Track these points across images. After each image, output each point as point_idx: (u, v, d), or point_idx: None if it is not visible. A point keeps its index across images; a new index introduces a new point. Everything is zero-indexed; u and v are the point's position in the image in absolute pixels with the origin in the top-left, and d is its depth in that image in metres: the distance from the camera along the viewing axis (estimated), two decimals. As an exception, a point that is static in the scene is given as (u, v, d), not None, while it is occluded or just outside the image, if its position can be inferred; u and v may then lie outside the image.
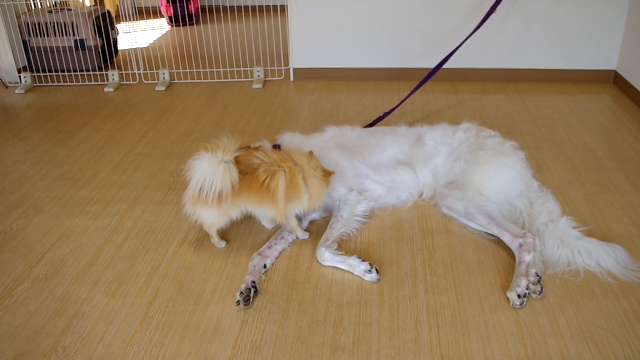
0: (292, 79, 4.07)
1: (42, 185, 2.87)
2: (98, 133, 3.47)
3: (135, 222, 2.50)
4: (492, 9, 3.25)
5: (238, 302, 1.95)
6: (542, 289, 1.90)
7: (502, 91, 3.78)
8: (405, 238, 2.28)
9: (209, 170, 2.04)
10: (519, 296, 1.87)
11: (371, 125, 3.00)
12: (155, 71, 4.26)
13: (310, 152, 2.23)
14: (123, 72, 4.31)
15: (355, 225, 2.30)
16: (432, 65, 3.17)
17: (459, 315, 1.87)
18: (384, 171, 2.47)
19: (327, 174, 2.20)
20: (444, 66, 3.19)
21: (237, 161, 2.10)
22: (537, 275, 1.93)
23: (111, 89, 4.14)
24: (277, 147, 2.52)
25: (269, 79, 4.13)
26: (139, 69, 4.28)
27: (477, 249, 2.19)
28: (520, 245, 2.06)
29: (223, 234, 2.35)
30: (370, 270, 2.03)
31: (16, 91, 4.21)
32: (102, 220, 2.53)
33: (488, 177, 2.29)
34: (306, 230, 2.34)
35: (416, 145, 2.55)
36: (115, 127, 3.55)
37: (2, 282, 2.15)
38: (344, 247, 2.24)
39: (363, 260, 2.06)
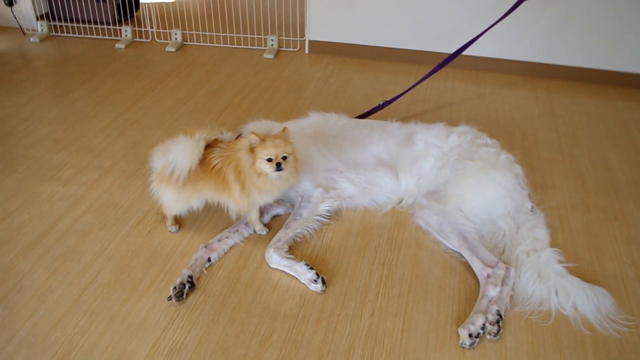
0: (306, 51, 3.90)
1: (25, 144, 2.87)
2: (95, 92, 3.45)
3: (100, 195, 2.46)
4: (526, -5, 2.94)
5: (170, 297, 1.89)
6: (499, 330, 1.73)
7: (529, 87, 3.48)
8: (369, 247, 2.14)
9: (183, 148, 1.98)
10: (470, 335, 1.71)
11: (364, 116, 2.82)
12: (168, 31, 4.18)
13: (284, 129, 2.07)
14: (136, 29, 4.25)
15: (315, 226, 2.18)
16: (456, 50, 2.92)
17: (399, 347, 1.74)
18: (361, 170, 2.32)
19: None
20: (470, 53, 2.94)
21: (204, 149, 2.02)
22: (499, 315, 1.76)
23: (122, 46, 4.10)
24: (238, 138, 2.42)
25: (283, 49, 3.97)
26: (152, 27, 4.22)
27: (444, 271, 2.02)
28: (488, 276, 1.88)
29: (182, 220, 2.28)
30: (316, 280, 1.92)
31: (31, 39, 4.25)
32: (70, 188, 2.51)
33: (471, 192, 2.10)
34: (267, 225, 2.23)
35: (404, 145, 2.37)
36: (114, 87, 3.52)
37: (-51, 244, 2.18)
38: (299, 248, 2.12)
39: (311, 268, 1.95)
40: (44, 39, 4.28)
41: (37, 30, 4.32)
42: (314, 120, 2.50)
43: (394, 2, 3.53)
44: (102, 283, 2.00)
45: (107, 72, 3.76)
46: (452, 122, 2.91)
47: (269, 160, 1.93)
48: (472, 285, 1.96)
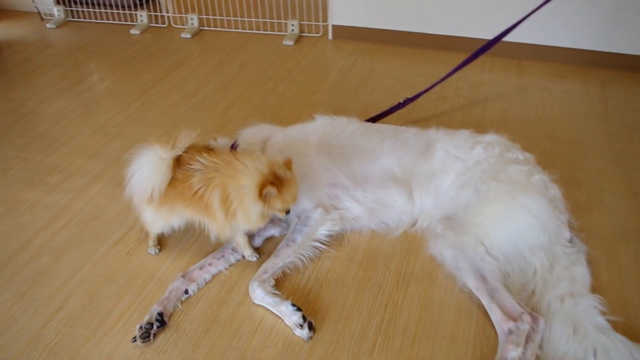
0: (330, 37, 3.54)
1: (19, 144, 2.70)
2: (101, 84, 3.24)
3: (84, 205, 2.25)
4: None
5: (134, 339, 1.65)
6: (518, 402, 1.40)
7: (579, 79, 2.99)
8: (372, 281, 1.82)
9: (143, 164, 1.71)
10: (480, 408, 1.38)
11: (381, 116, 2.46)
12: (185, 15, 3.91)
13: (289, 163, 1.77)
14: (152, 13, 4.00)
15: (310, 253, 1.88)
16: (494, 36, 2.50)
17: (393, 418, 1.43)
18: (369, 187, 1.99)
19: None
20: (512, 40, 2.51)
21: (179, 162, 1.73)
22: (518, 382, 1.42)
23: (137, 32, 3.87)
24: (234, 146, 2.13)
25: (305, 34, 3.63)
26: (167, 11, 3.95)
27: (458, 316, 1.69)
28: (510, 332, 1.53)
29: (165, 240, 2.03)
30: (302, 325, 1.63)
31: (47, 25, 4.08)
32: (55, 196, 2.31)
33: (495, 222, 1.74)
34: (258, 250, 1.95)
35: (421, 157, 2.02)
36: (121, 79, 3.30)
37: None
38: (291, 280, 1.84)
39: (297, 309, 1.66)
40: (60, 24, 4.10)
41: (54, 16, 4.15)
42: (320, 125, 2.18)
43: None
44: (67, 314, 1.78)
45: (117, 61, 3.54)
46: (485, 123, 2.54)
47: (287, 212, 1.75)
48: (491, 338, 1.62)
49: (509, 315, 1.57)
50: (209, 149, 1.85)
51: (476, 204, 1.80)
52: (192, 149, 1.77)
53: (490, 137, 2.01)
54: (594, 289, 1.69)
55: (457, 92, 2.85)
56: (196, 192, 1.71)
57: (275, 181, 1.64)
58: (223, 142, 2.24)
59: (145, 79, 3.27)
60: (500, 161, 1.89)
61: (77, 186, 2.37)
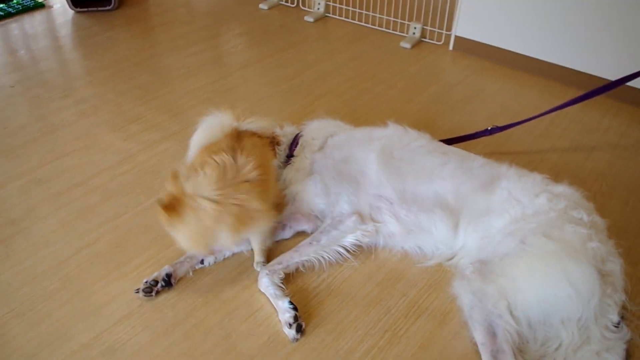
0: (450, 47, 3.49)
1: (120, 89, 3.04)
2: (212, 51, 3.51)
3: (149, 158, 2.49)
4: None
5: (137, 290, 1.81)
6: None
7: None
8: (382, 304, 1.81)
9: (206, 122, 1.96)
10: None
11: (457, 141, 2.39)
12: (314, -1, 4.07)
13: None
14: (285, -9, 4.22)
15: (332, 257, 1.91)
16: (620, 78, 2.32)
17: None
18: (414, 208, 1.97)
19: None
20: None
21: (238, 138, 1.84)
22: None
23: (265, 7, 4.12)
24: (297, 138, 2.25)
25: (426, 40, 3.60)
26: (298, -8, 4.15)
27: (457, 366, 1.63)
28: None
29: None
30: (291, 325, 1.68)
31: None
32: (128, 144, 2.58)
33: (528, 281, 1.64)
34: (286, 240, 2.03)
35: (481, 190, 1.94)
36: (232, 49, 3.57)
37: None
38: (303, 278, 1.90)
39: (293, 309, 1.71)
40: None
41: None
42: (389, 133, 2.18)
43: (565, 12, 2.94)
44: (94, 251, 2.00)
45: (236, 32, 3.81)
46: (581, 173, 2.38)
47: None
48: (483, 401, 1.54)
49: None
50: (274, 138, 1.99)
51: (515, 255, 1.70)
52: (247, 135, 1.88)
53: (561, 189, 1.88)
54: (624, 386, 1.53)
55: (565, 132, 2.67)
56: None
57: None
58: (290, 130, 2.34)
59: (253, 53, 3.48)
60: (561, 217, 1.76)
61: (151, 139, 2.61)
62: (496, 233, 1.84)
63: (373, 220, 1.99)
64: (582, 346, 1.59)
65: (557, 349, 1.61)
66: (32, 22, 3.89)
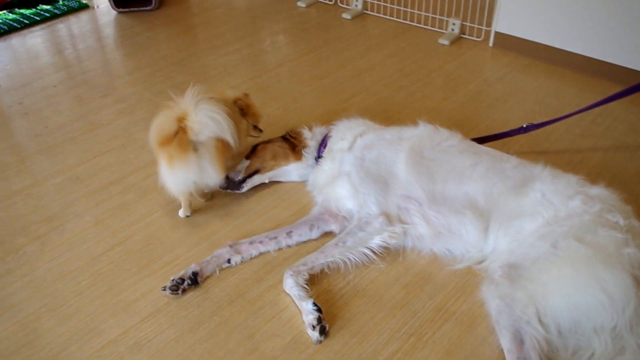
0: (490, 44, 3.40)
1: (156, 89, 3.11)
2: (247, 49, 3.54)
3: (182, 157, 2.52)
4: None
5: (164, 288, 1.85)
6: None
7: None
8: (409, 307, 1.79)
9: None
10: None
11: (490, 139, 2.33)
12: (351, -5, 4.05)
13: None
14: (321, -12, 4.21)
15: (358, 258, 1.90)
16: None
17: None
18: (444, 209, 1.93)
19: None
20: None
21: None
22: None
23: (303, 5, 4.12)
24: (325, 139, 2.26)
25: (465, 36, 3.53)
26: (335, -11, 4.13)
27: (483, 373, 1.59)
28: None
29: (231, 209, 2.21)
30: (314, 327, 1.68)
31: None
32: (163, 142, 2.62)
33: (559, 287, 1.58)
34: (314, 241, 2.04)
35: (514, 192, 1.89)
36: (267, 47, 3.60)
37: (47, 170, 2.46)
38: (328, 279, 1.89)
39: (317, 310, 1.71)
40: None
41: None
42: (419, 133, 2.15)
43: (609, 5, 2.82)
44: (126, 248, 2.05)
45: (272, 30, 3.83)
46: (623, 174, 2.28)
47: None
48: (509, 410, 1.50)
49: (531, 393, 1.44)
50: (296, 135, 2.22)
51: (546, 259, 1.65)
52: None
53: (597, 191, 1.81)
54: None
55: (607, 131, 2.57)
56: None
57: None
58: (318, 130, 2.33)
59: (288, 52, 3.49)
60: (595, 221, 1.69)
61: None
62: (527, 236, 1.78)
63: (401, 221, 1.97)
64: (616, 357, 1.53)
65: (589, 358, 1.55)
66: (78, 23, 4.02)
